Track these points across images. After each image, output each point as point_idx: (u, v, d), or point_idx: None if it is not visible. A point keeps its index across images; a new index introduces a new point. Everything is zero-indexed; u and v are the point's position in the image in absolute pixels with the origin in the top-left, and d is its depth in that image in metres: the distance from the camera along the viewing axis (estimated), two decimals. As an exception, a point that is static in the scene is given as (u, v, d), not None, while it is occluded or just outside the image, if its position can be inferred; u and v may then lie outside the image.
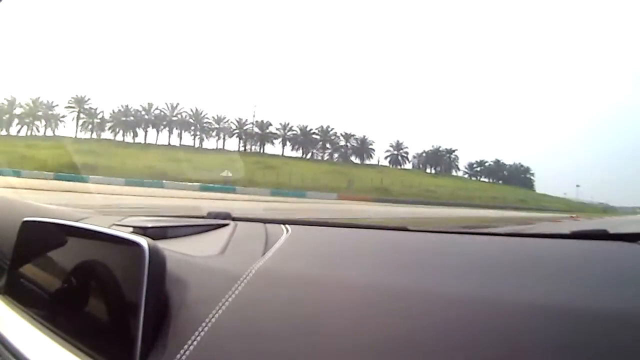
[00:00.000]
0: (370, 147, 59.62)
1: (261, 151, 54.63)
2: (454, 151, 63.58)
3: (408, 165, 61.66)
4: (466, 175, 64.33)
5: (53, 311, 0.72)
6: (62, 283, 0.73)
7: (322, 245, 0.84)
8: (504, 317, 0.45)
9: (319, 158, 56.48)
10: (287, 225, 0.90)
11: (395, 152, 60.30)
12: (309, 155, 56.52)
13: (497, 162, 65.68)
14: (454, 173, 62.76)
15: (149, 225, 0.95)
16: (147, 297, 0.56)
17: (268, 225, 0.93)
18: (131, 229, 0.92)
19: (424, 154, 62.42)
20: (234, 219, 1.09)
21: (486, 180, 64.36)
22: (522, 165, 66.76)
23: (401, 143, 60.44)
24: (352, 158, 57.43)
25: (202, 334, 0.54)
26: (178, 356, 0.52)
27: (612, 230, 0.71)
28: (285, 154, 55.68)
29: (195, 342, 0.53)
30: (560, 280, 0.52)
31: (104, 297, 0.65)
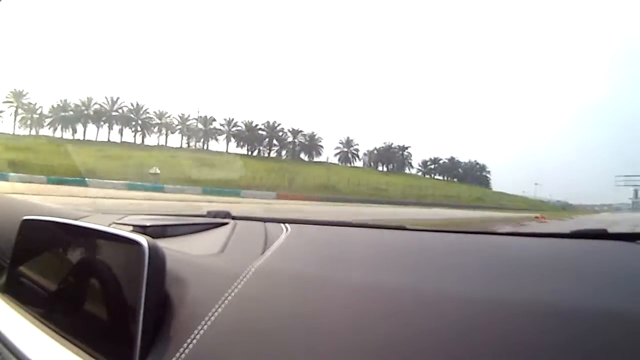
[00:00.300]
0: (319, 144, 57.14)
1: (205, 148, 51.43)
2: (406, 148, 61.34)
3: (359, 163, 59.34)
4: (420, 173, 62.37)
5: (53, 309, 0.72)
6: (62, 281, 0.73)
7: (321, 244, 0.84)
8: (504, 317, 0.45)
9: (266, 155, 53.78)
10: (286, 225, 0.90)
11: (345, 150, 58.18)
12: (255, 152, 53.78)
13: (452, 159, 63.86)
14: (407, 171, 60.78)
15: (149, 223, 0.94)
16: (147, 296, 0.56)
17: (268, 224, 0.94)
18: (131, 228, 0.92)
19: (375, 151, 59.89)
20: (233, 218, 1.09)
21: (441, 178, 62.55)
22: (477, 163, 65.12)
23: (351, 140, 58.19)
24: (302, 155, 54.96)
25: (201, 332, 0.54)
26: (178, 354, 0.52)
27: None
28: (231, 150, 52.55)
29: (195, 341, 0.53)
30: (560, 280, 0.52)
31: (103, 295, 0.65)
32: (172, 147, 47.40)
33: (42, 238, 0.83)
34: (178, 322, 0.57)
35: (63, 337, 0.65)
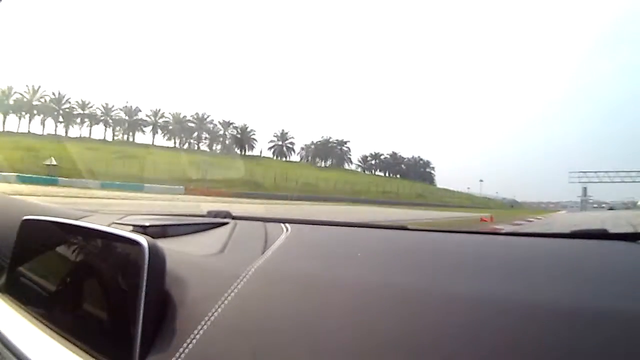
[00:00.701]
0: (252, 136, 54.03)
1: (130, 140, 48.01)
2: (345, 143, 58.88)
3: (295, 158, 56.50)
4: (360, 169, 60.02)
5: (53, 309, 0.72)
6: (62, 281, 0.73)
7: (322, 244, 0.84)
8: (504, 316, 0.45)
9: (195, 148, 50.27)
10: (286, 224, 0.91)
11: (280, 143, 55.22)
12: (186, 146, 50.54)
13: (394, 155, 61.66)
14: (347, 166, 58.25)
15: (149, 223, 0.94)
16: (147, 296, 0.56)
17: (268, 224, 0.94)
18: (131, 228, 0.92)
19: (312, 146, 57.12)
20: (233, 218, 1.10)
21: (382, 174, 60.20)
22: (421, 159, 63.53)
23: (286, 133, 55.31)
24: (234, 149, 51.85)
25: (201, 332, 0.54)
26: (177, 354, 0.52)
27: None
28: (159, 143, 49.16)
29: (194, 340, 0.53)
30: (560, 279, 0.53)
31: (103, 295, 0.65)
32: (95, 139, 44.89)
33: (42, 238, 0.83)
34: (178, 322, 0.57)
35: (63, 337, 0.65)
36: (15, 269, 0.86)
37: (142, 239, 0.60)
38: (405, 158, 63.60)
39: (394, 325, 0.48)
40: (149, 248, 0.58)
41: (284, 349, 0.50)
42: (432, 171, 65.63)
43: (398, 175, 60.63)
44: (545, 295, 0.48)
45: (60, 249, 0.79)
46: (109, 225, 0.83)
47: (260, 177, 36.18)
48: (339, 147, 59.23)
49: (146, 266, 0.57)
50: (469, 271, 0.59)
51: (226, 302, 0.58)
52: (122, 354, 0.55)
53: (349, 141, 59.93)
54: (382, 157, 62.36)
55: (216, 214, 1.17)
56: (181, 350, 0.53)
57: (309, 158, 57.81)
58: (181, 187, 22.87)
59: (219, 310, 0.57)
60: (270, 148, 56.31)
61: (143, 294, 0.56)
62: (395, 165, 62.10)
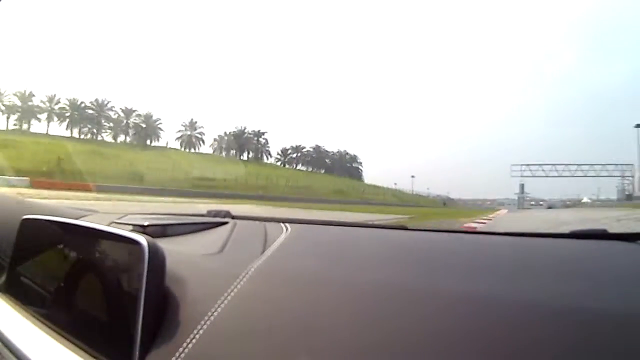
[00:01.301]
0: (157, 125, 48.59)
1: (25, 128, 42.56)
2: (262, 134, 53.67)
3: (208, 150, 51.14)
4: (280, 163, 55.07)
5: (53, 309, 0.72)
6: (62, 281, 0.73)
7: (322, 244, 0.84)
8: (503, 316, 0.45)
9: (92, 137, 44.87)
10: (286, 224, 0.91)
11: (189, 133, 50.07)
12: (86, 136, 44.90)
13: (317, 148, 57.09)
14: (266, 160, 53.55)
15: (149, 223, 0.95)
16: (147, 295, 0.56)
17: (267, 223, 0.94)
18: (131, 227, 0.92)
19: (226, 137, 51.98)
20: (233, 217, 1.10)
21: (304, 168, 55.51)
22: (347, 153, 59.44)
23: (195, 122, 50.30)
24: (138, 138, 46.49)
25: (201, 331, 0.54)
26: (177, 354, 0.52)
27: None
28: (56, 132, 43.52)
29: (194, 340, 0.54)
30: (560, 280, 0.52)
31: (103, 294, 0.65)
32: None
33: (42, 237, 0.83)
34: (178, 321, 0.57)
35: (63, 336, 0.65)
36: (15, 268, 0.86)
37: (142, 239, 0.60)
38: (330, 152, 59.78)
39: (394, 325, 0.48)
40: (149, 247, 0.58)
41: (283, 348, 0.49)
42: (360, 166, 62.05)
43: (323, 170, 57.09)
44: (545, 295, 0.48)
45: (60, 248, 0.79)
46: (108, 225, 0.83)
47: (143, 170, 30.50)
48: (255, 139, 54.31)
49: (146, 266, 0.57)
50: (468, 271, 0.59)
51: (226, 301, 0.58)
52: (121, 353, 0.55)
53: (266, 132, 54.89)
54: (304, 150, 57.84)
55: (216, 214, 1.18)
56: (181, 349, 0.53)
57: (222, 150, 52.58)
58: (26, 178, 18.86)
59: (219, 309, 0.57)
60: (177, 138, 50.84)
61: (143, 293, 0.56)
62: (318, 160, 58.11)
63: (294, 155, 58.28)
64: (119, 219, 1.08)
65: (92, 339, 0.61)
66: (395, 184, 54.05)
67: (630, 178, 49.14)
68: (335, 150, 60.90)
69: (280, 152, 57.96)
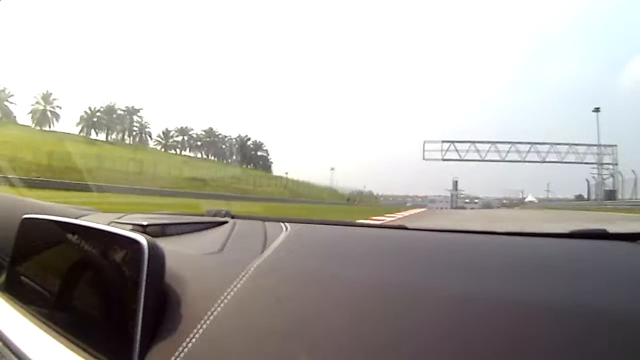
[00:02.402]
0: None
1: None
2: (138, 111, 43.75)
3: (71, 128, 41.02)
4: (160, 147, 46.07)
5: (52, 308, 0.72)
6: (62, 280, 0.73)
7: (321, 243, 0.84)
8: (503, 316, 0.45)
9: None
10: (285, 223, 0.91)
11: (42, 107, 40.72)
12: None
13: (210, 131, 47.71)
14: (147, 142, 44.51)
15: (148, 222, 0.95)
16: (146, 294, 0.56)
17: (267, 223, 0.94)
18: (130, 227, 0.92)
19: (90, 113, 41.68)
20: (233, 217, 1.10)
21: (192, 154, 47.09)
22: (248, 138, 49.48)
23: (50, 94, 40.55)
24: None
25: (200, 331, 0.54)
26: (177, 353, 0.52)
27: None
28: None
29: (194, 339, 0.54)
30: (560, 280, 0.52)
31: (103, 294, 0.65)
32: None
33: (42, 236, 0.83)
34: (177, 320, 0.58)
35: (62, 335, 0.65)
36: (14, 267, 0.86)
37: (142, 238, 0.60)
38: (227, 137, 50.54)
39: (393, 324, 0.48)
40: (148, 247, 0.58)
41: (283, 347, 0.49)
42: (266, 154, 53.24)
43: (215, 157, 48.47)
44: (544, 295, 0.48)
45: (60, 248, 0.79)
46: (108, 224, 0.83)
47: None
48: (128, 117, 44.55)
49: (145, 265, 0.57)
50: (468, 271, 0.59)
51: (226, 300, 0.58)
52: (121, 353, 0.55)
53: (141, 109, 44.55)
54: (191, 133, 48.19)
55: (215, 213, 1.18)
56: (180, 349, 0.53)
57: (85, 129, 42.22)
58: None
59: (219, 308, 0.57)
60: (29, 113, 40.94)
61: (142, 292, 0.56)
62: (211, 145, 49.37)
63: (180, 139, 48.33)
64: (118, 218, 1.08)
65: (91, 338, 0.61)
66: (286, 172, 46.61)
67: (612, 167, 34.53)
68: (236, 136, 51.30)
69: (161, 134, 47.50)
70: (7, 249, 0.89)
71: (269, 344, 0.50)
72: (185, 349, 0.53)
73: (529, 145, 36.85)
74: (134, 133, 46.16)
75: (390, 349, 0.45)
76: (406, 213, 18.94)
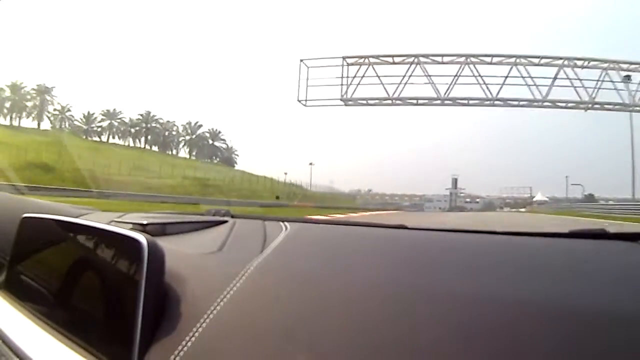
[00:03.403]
0: None
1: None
2: (50, 90, 36.53)
3: None
4: (83, 134, 38.20)
5: (52, 307, 0.72)
6: (61, 279, 0.73)
7: (320, 243, 0.84)
8: (503, 316, 0.45)
9: None
10: (285, 223, 0.91)
11: None
12: None
13: (147, 116, 39.33)
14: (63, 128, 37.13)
15: (148, 221, 0.95)
16: (146, 293, 0.56)
17: (267, 222, 0.94)
18: (130, 226, 0.92)
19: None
20: (233, 216, 1.10)
21: (121, 142, 39.71)
22: (199, 125, 42.54)
23: None
24: None
25: (200, 329, 0.54)
26: (176, 352, 0.53)
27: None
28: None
29: (193, 338, 0.54)
30: (560, 279, 0.52)
31: (102, 292, 0.65)
32: None
33: (42, 235, 0.84)
34: (177, 319, 0.58)
35: (62, 334, 0.65)
36: (14, 266, 0.86)
37: (141, 237, 0.60)
38: (163, 121, 42.03)
39: (393, 324, 0.48)
40: (148, 246, 0.58)
41: (282, 346, 0.49)
42: (225, 144, 45.39)
43: (154, 147, 40.47)
44: (544, 295, 0.48)
45: (60, 247, 0.79)
46: (108, 223, 0.83)
47: None
48: (37, 97, 37.56)
49: (145, 264, 0.57)
50: (468, 270, 0.59)
51: (225, 299, 0.58)
52: (121, 351, 0.55)
53: (54, 87, 37.55)
54: (120, 117, 40.12)
55: (215, 212, 1.18)
56: (180, 347, 0.53)
57: None
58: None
59: (218, 308, 0.57)
60: None
61: (142, 291, 0.56)
62: (146, 131, 41.28)
63: (106, 124, 40.44)
64: (118, 217, 1.09)
65: (91, 337, 0.61)
66: (286, 173, 42.12)
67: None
68: (184, 122, 43.65)
69: (82, 118, 39.83)
70: (7, 248, 0.89)
71: (269, 343, 0.50)
72: (185, 348, 0.53)
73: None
74: (50, 116, 37.71)
75: (390, 348, 0.45)
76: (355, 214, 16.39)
